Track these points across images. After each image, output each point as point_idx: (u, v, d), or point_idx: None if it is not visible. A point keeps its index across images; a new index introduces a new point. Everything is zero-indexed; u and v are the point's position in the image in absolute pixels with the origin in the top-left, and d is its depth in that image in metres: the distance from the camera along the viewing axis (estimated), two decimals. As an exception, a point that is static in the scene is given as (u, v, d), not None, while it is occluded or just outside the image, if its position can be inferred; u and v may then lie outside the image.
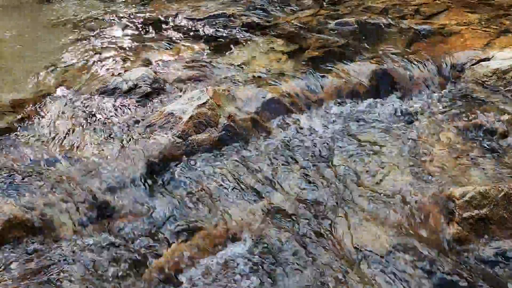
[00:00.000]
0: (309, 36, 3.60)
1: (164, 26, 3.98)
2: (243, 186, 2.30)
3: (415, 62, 3.12)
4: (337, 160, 2.46)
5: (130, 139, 2.54)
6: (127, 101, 2.87)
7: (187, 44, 3.63)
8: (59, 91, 3.01)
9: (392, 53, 3.22)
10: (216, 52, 3.47)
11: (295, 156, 2.49)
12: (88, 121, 2.72)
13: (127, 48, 3.61)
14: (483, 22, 3.57)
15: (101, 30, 3.96)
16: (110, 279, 1.88)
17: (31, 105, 2.88)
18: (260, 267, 1.92)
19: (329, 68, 3.12)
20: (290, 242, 2.02)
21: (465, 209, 2.01)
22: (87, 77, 3.17)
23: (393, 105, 2.88)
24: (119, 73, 3.15)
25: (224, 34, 3.75)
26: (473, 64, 3.07)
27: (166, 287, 1.87)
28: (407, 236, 2.03)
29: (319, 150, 2.53)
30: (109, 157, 2.43)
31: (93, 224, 2.12)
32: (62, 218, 2.09)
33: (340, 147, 2.56)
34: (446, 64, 3.12)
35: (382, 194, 2.24)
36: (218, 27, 3.88)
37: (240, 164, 2.44)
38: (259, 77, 3.08)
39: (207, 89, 2.78)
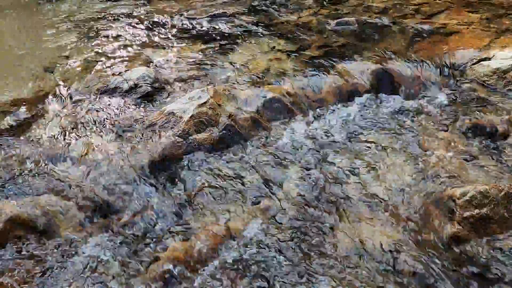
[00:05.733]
0: (309, 36, 3.60)
1: (164, 25, 3.98)
2: (243, 186, 2.31)
3: (416, 62, 3.12)
4: (337, 160, 2.46)
5: (130, 139, 2.55)
6: (127, 100, 2.88)
7: (187, 43, 3.63)
8: (60, 91, 3.01)
9: (393, 53, 3.22)
10: (217, 51, 3.47)
11: (295, 155, 2.49)
12: (89, 120, 2.72)
13: (128, 48, 3.61)
14: (483, 22, 3.57)
15: (102, 29, 3.96)
16: (111, 278, 1.88)
17: (32, 105, 2.88)
18: (260, 267, 1.92)
19: (330, 67, 3.12)
20: (291, 242, 2.02)
21: (466, 209, 2.01)
22: (88, 77, 3.17)
23: (393, 104, 2.88)
24: (120, 73, 3.15)
25: (225, 34, 3.75)
26: (473, 64, 3.07)
27: (166, 286, 1.87)
28: (407, 236, 2.03)
29: (319, 150, 2.53)
30: (109, 156, 2.43)
31: (94, 224, 2.12)
32: (63, 217, 2.09)
33: (340, 146, 2.56)
34: (446, 63, 3.13)
35: (382, 194, 2.24)
36: (218, 27, 3.88)
37: (240, 163, 2.44)
38: (260, 76, 3.08)
39: (207, 88, 2.78)
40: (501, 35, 3.36)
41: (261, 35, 3.69)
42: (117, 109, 2.80)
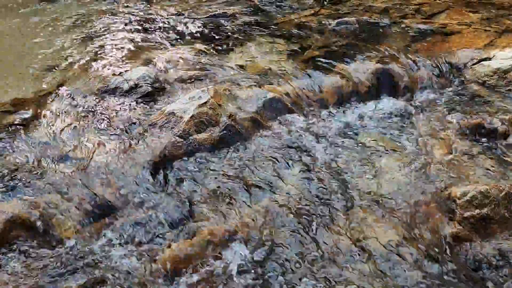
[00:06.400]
0: (309, 36, 3.60)
1: (164, 25, 3.98)
2: (244, 185, 2.31)
3: (416, 62, 3.12)
4: (337, 160, 2.46)
5: (131, 139, 2.55)
6: (128, 100, 2.87)
7: (188, 43, 3.63)
8: (60, 91, 3.01)
9: (393, 53, 3.22)
10: (217, 52, 3.47)
11: (295, 156, 2.49)
12: (89, 120, 2.72)
13: (128, 48, 3.61)
14: (484, 22, 3.57)
15: (102, 29, 3.96)
16: (111, 278, 1.88)
17: (33, 105, 2.88)
18: (262, 266, 1.92)
19: (330, 67, 3.12)
20: (292, 241, 2.02)
21: (466, 209, 2.01)
22: (88, 77, 3.17)
23: (393, 104, 2.88)
24: (120, 73, 3.15)
25: (225, 34, 3.75)
26: (474, 64, 3.07)
27: (167, 286, 1.87)
28: (408, 236, 2.03)
29: (320, 150, 2.53)
30: (110, 156, 2.43)
31: (94, 224, 2.12)
32: (63, 217, 2.09)
33: (340, 146, 2.56)
34: (447, 63, 3.12)
35: (382, 194, 2.24)
36: (218, 27, 3.88)
37: (241, 163, 2.44)
38: (260, 76, 3.08)
39: (208, 88, 2.78)
40: (501, 35, 3.36)
41: (261, 35, 3.69)
42: (118, 109, 2.80)
